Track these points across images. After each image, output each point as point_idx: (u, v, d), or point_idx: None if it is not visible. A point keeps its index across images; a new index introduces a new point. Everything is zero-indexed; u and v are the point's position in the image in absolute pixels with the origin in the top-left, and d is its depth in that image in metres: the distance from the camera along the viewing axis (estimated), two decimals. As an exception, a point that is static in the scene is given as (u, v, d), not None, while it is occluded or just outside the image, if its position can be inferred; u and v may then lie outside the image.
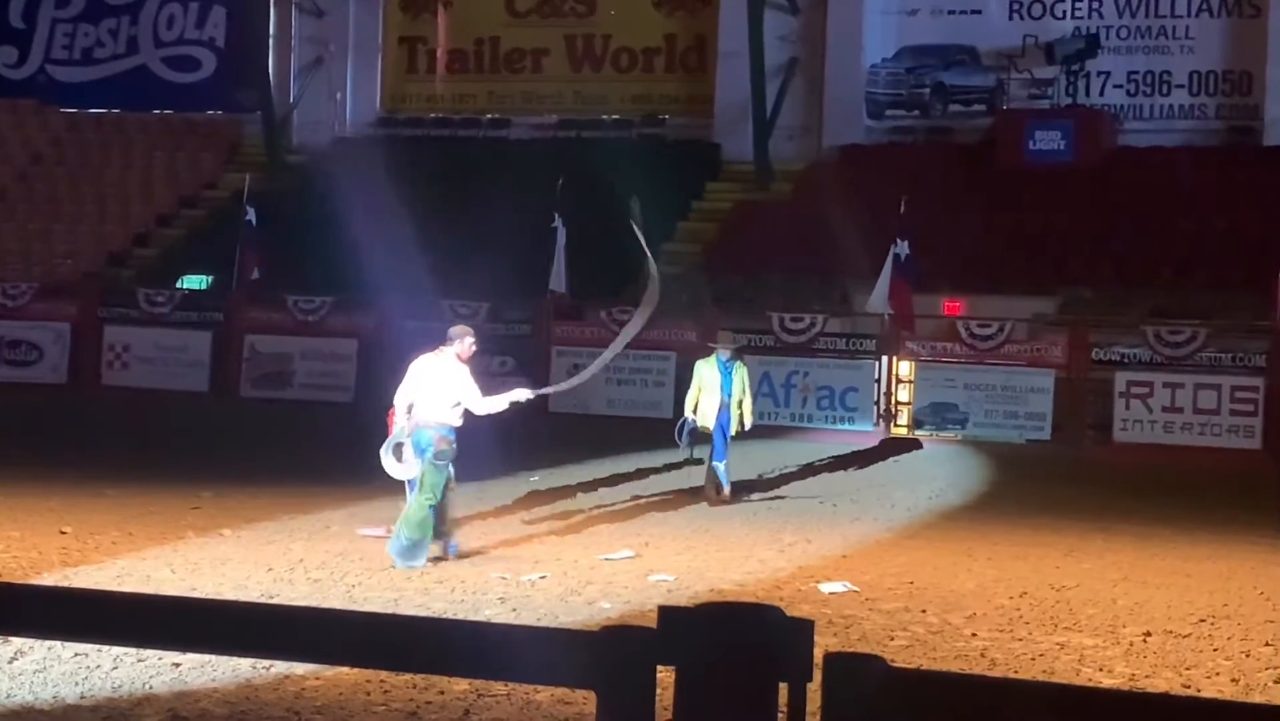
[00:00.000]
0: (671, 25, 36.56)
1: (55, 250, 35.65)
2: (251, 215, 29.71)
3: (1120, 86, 33.28)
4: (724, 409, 19.88)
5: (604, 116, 36.65)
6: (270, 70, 37.55)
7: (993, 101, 33.90)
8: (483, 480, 21.02)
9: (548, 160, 32.46)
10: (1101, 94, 33.28)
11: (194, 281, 32.93)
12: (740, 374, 20.12)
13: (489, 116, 37.31)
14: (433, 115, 37.82)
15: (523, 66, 37.56)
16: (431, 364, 14.81)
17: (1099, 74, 33.20)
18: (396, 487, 15.72)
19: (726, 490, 19.94)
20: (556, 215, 27.90)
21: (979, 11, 34.08)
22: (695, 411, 20.10)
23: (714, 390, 19.99)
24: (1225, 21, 32.72)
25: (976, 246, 29.57)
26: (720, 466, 19.87)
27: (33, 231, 36.00)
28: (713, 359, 20.30)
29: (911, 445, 24.65)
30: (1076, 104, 32.82)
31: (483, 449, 22.32)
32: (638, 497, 20.20)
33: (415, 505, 14.65)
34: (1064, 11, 33.60)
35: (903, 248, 25.94)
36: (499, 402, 15.06)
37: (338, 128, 37.81)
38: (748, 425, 19.97)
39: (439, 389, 14.67)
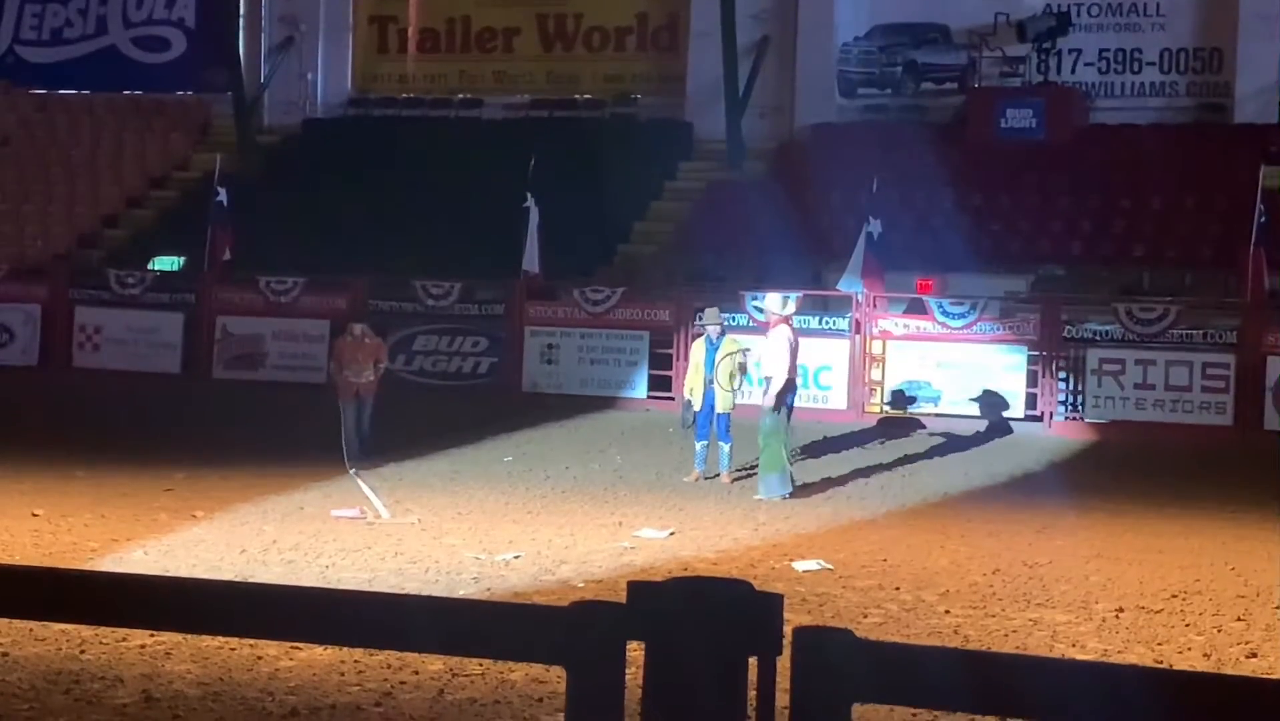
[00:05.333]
0: (643, 4, 36.44)
1: (25, 232, 35.46)
2: (223, 196, 29.54)
3: (1091, 64, 33.27)
4: (709, 387, 19.83)
5: (576, 96, 36.55)
6: (240, 50, 37.34)
7: (964, 80, 33.87)
8: (457, 460, 21.05)
9: (520, 140, 32.35)
10: (1073, 72, 33.27)
11: (165, 263, 32.75)
12: (727, 351, 20.01)
13: (461, 96, 37.17)
14: (404, 95, 37.66)
15: (494, 46, 37.43)
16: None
17: (1070, 52, 33.18)
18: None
19: (698, 471, 19.90)
20: (529, 195, 27.82)
21: (950, -11, 34.03)
22: (690, 391, 20.15)
23: (702, 369, 19.99)
24: (1196, -1, 32.73)
25: (949, 225, 29.58)
26: (725, 447, 19.83)
27: (2, 213, 35.79)
28: (703, 338, 20.32)
29: (885, 423, 24.67)
30: (1048, 82, 32.82)
31: (456, 428, 22.36)
32: (611, 477, 20.21)
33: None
34: (1035, -11, 33.57)
35: (875, 226, 25.92)
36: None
37: (308, 108, 37.64)
38: (732, 404, 19.88)
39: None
